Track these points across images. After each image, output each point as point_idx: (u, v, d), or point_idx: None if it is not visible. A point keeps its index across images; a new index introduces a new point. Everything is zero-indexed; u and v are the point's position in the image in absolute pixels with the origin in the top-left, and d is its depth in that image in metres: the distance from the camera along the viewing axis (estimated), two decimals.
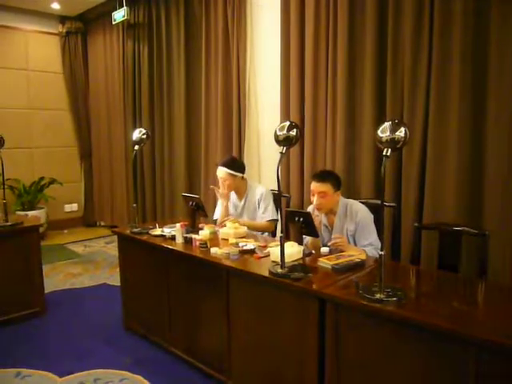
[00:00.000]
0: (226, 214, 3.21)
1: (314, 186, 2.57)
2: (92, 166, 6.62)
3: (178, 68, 4.92)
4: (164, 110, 5.18)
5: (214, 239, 2.73)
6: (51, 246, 5.53)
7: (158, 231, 2.93)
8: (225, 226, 2.89)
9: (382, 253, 1.76)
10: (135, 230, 2.98)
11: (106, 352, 2.88)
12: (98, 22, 6.08)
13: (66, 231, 6.32)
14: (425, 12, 2.73)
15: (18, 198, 5.74)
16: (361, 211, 2.58)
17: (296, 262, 2.16)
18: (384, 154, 1.72)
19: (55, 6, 5.72)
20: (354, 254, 2.26)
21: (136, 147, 3.09)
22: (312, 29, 3.37)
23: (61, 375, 2.60)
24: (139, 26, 5.34)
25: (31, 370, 2.66)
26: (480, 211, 2.61)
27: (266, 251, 2.41)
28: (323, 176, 2.59)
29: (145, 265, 2.95)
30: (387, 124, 1.74)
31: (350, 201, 2.67)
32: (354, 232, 2.57)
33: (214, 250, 2.46)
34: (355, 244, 2.55)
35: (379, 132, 1.74)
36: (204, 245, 2.56)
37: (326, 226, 2.70)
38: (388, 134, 1.71)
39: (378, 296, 1.72)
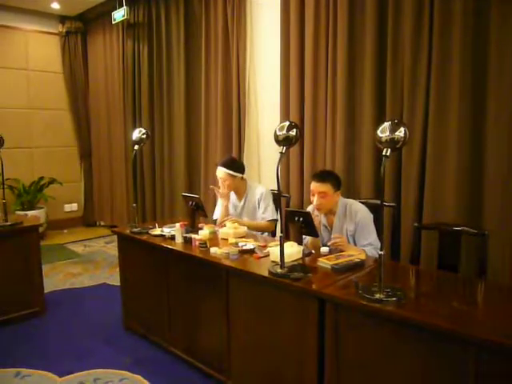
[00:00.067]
0: (227, 213, 3.21)
1: (314, 186, 2.57)
2: (92, 165, 6.62)
3: (177, 67, 4.92)
4: (164, 109, 5.18)
5: (214, 239, 2.73)
6: (51, 245, 5.53)
7: (157, 231, 2.93)
8: (225, 226, 2.90)
9: (382, 253, 1.76)
10: (135, 229, 2.98)
11: (106, 352, 2.88)
12: (98, 21, 6.08)
13: (65, 231, 6.32)
14: (425, 12, 2.73)
15: (17, 197, 5.74)
16: (360, 211, 2.57)
17: (296, 262, 2.16)
18: (384, 153, 1.72)
19: (55, 5, 5.72)
20: (353, 254, 2.26)
21: (136, 147, 3.09)
22: (312, 28, 3.37)
23: (60, 375, 2.60)
24: (139, 25, 5.34)
25: (31, 370, 2.66)
26: (480, 211, 2.61)
27: (265, 251, 2.41)
28: (323, 176, 2.59)
29: (144, 264, 2.95)
30: (387, 124, 1.74)
31: (350, 201, 2.67)
32: (353, 232, 2.57)
33: (213, 249, 2.46)
34: (355, 244, 2.55)
35: (379, 132, 1.74)
36: (203, 245, 2.56)
37: (326, 226, 2.70)
38: (388, 133, 1.71)
39: (377, 296, 1.72)
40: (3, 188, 3.51)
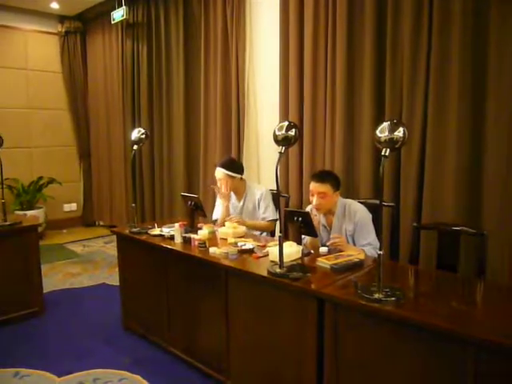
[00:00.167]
0: (227, 214, 3.21)
1: (314, 186, 2.56)
2: (91, 165, 6.62)
3: (177, 68, 4.91)
4: (163, 109, 5.18)
5: (213, 239, 2.73)
6: (50, 245, 5.53)
7: (156, 231, 2.93)
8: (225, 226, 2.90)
9: (381, 252, 1.76)
10: (134, 229, 2.98)
11: (105, 352, 2.88)
12: (97, 21, 6.08)
13: (64, 231, 6.32)
14: (424, 12, 2.73)
15: (16, 197, 5.73)
16: (359, 211, 2.58)
17: (295, 262, 2.16)
18: (383, 153, 1.72)
19: (54, 5, 5.72)
20: (352, 254, 2.26)
21: (135, 147, 3.09)
22: (311, 28, 3.37)
23: (60, 375, 2.60)
24: (138, 25, 5.34)
25: (30, 370, 2.66)
26: (479, 211, 2.61)
27: (264, 251, 2.41)
28: (322, 176, 2.59)
29: (144, 264, 2.95)
30: (386, 124, 1.74)
31: (349, 201, 2.67)
32: (352, 232, 2.57)
33: (212, 249, 2.46)
34: (354, 244, 2.55)
35: (378, 132, 1.74)
36: (203, 244, 2.56)
37: (325, 226, 2.70)
38: (387, 133, 1.71)
39: (376, 296, 1.72)
40: (2, 188, 3.49)
